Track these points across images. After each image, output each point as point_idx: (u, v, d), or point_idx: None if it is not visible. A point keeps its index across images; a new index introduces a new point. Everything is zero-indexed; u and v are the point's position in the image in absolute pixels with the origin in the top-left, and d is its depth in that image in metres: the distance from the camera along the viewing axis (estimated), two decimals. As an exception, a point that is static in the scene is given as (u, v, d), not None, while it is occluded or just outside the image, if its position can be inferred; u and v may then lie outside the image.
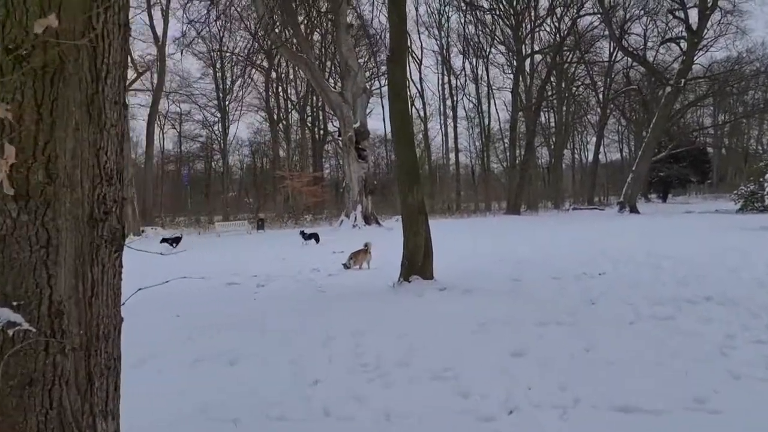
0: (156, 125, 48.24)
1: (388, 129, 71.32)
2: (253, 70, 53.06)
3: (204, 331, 6.39)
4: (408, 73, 55.47)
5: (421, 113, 57.09)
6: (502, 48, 52.18)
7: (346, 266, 12.52)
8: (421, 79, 56.14)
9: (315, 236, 22.95)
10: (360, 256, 12.55)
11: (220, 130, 54.61)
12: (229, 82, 53.07)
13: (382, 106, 56.85)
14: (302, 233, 23.65)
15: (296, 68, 50.03)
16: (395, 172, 9.52)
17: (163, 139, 56.81)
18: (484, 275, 10.01)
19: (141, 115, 49.94)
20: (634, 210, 37.11)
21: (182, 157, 61.09)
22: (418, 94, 56.24)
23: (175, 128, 58.31)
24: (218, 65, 51.93)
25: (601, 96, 51.45)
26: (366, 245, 12.52)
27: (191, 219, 50.20)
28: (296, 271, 12.48)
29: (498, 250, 14.65)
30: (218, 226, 36.50)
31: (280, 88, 53.42)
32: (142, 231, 36.48)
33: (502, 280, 9.26)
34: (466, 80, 56.61)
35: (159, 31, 41.67)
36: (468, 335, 5.74)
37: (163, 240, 24.23)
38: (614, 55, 48.21)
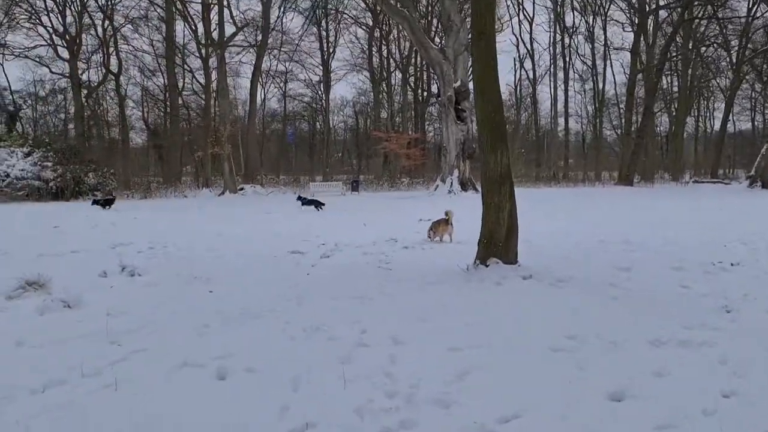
0: (259, 84, 48.40)
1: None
2: (357, 28, 52.12)
3: (224, 318, 5.20)
4: (518, 30, 52.39)
5: (530, 75, 53.74)
6: (622, 3, 47.49)
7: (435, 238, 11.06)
8: (531, 38, 52.64)
9: (316, 202, 21.41)
10: (440, 227, 10.98)
11: (323, 89, 54.18)
12: (332, 41, 52.15)
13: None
14: (300, 198, 22.44)
15: (399, 28, 48.42)
16: (478, 130, 7.64)
17: (265, 97, 56.88)
18: (582, 261, 8.17)
19: (245, 72, 50.40)
20: (767, 185, 32.61)
21: (287, 117, 61.49)
22: (527, 54, 52.86)
23: (279, 87, 58.63)
24: (323, 23, 51.03)
25: (734, 57, 45.63)
26: (447, 214, 10.91)
27: (290, 178, 50.40)
28: (370, 241, 11.17)
29: (602, 228, 12.53)
30: (312, 187, 36.05)
31: (383, 47, 51.93)
32: (241, 189, 36.74)
33: (604, 269, 7.40)
34: (579, 39, 52.47)
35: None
36: (549, 355, 4.11)
37: (94, 202, 23.38)
38: (754, 10, 42.33)
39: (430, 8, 50.29)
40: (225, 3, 39.42)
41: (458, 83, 29.13)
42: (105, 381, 3.48)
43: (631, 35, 45.18)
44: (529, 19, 51.83)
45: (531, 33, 52.13)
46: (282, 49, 48.69)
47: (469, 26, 32.81)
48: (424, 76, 54.01)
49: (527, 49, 52.68)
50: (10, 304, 5.58)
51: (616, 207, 19.77)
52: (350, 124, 66.92)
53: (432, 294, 6.08)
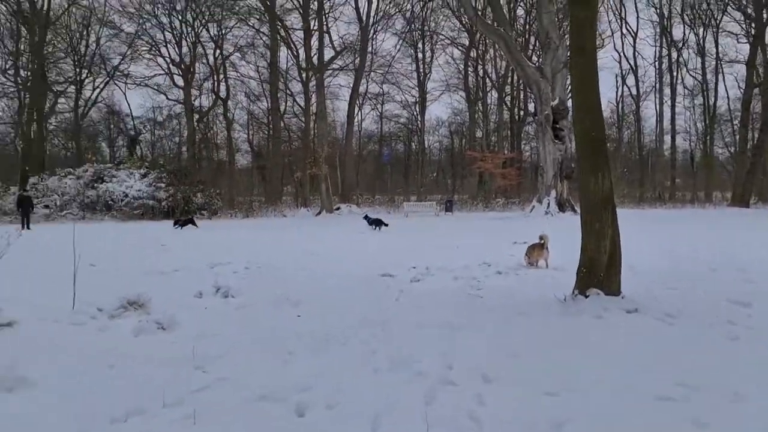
0: (356, 105, 49.37)
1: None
2: (453, 49, 52.16)
3: (309, 345, 5.14)
4: (620, 46, 50.39)
5: (633, 91, 51.44)
6: (737, 14, 44.46)
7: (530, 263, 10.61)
8: (635, 54, 50.35)
9: (378, 222, 22.11)
10: (535, 251, 10.50)
11: (419, 110, 54.49)
12: (428, 62, 52.41)
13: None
14: (366, 218, 22.76)
15: (496, 47, 47.97)
16: (577, 150, 7.18)
17: (362, 119, 57.89)
18: (693, 292, 7.45)
19: (343, 95, 51.60)
20: None
21: (383, 137, 62.32)
22: (630, 70, 50.67)
23: (375, 108, 59.61)
24: (419, 45, 51.48)
25: None
26: (542, 238, 10.43)
27: (385, 198, 50.85)
28: (463, 265, 10.87)
29: (715, 255, 11.52)
30: (406, 207, 36.13)
31: (479, 67, 51.59)
32: (337, 208, 37.47)
33: (718, 302, 6.69)
34: (689, 53, 49.61)
35: (363, 11, 42.43)
36: (658, 405, 3.66)
37: (176, 223, 24.31)
38: None
39: (527, 27, 49.54)
40: (325, 29, 40.69)
41: (556, 101, 28.30)
42: (185, 411, 3.46)
43: (747, 47, 42.26)
44: (633, 34, 49.81)
45: (634, 48, 49.95)
46: (378, 71, 49.54)
47: (567, 43, 31.94)
48: (521, 95, 53.13)
49: (630, 64, 50.57)
50: (111, 324, 5.81)
51: (732, 229, 18.25)
52: (445, 144, 66.85)
53: (525, 326, 5.73)
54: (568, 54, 29.63)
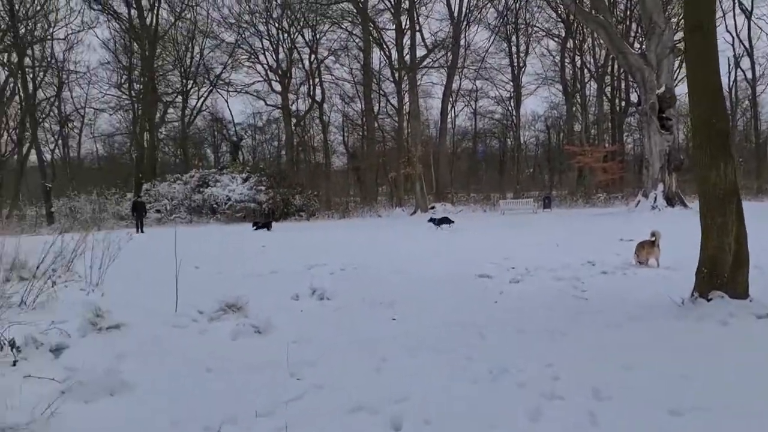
0: (450, 103, 48.93)
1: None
2: (549, 40, 50.56)
3: (403, 350, 4.95)
4: (734, 27, 46.74)
5: (748, 75, 47.63)
6: None
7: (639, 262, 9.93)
8: (749, 34, 46.46)
9: (446, 220, 22.11)
10: (645, 249, 9.77)
11: (513, 105, 53.25)
12: (523, 55, 51.07)
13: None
14: (432, 220, 22.53)
15: (594, 36, 45.96)
16: (693, 139, 6.55)
17: (455, 116, 57.27)
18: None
19: (436, 93, 51.31)
20: None
21: (477, 134, 61.46)
22: (745, 53, 46.90)
23: (469, 105, 58.85)
24: (513, 38, 50.25)
25: None
26: (653, 235, 9.69)
27: (480, 196, 50.05)
28: (564, 264, 10.34)
29: None
30: (502, 204, 35.32)
31: (577, 58, 49.66)
32: (432, 207, 37.26)
33: None
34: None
35: (454, 6, 42.01)
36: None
37: (254, 225, 24.48)
38: None
39: (627, 12, 47.04)
40: (417, 27, 40.59)
41: (662, 89, 26.58)
42: (277, 424, 3.35)
43: None
44: (747, 13, 46.00)
45: (749, 28, 46.13)
46: (471, 67, 48.87)
47: (674, 26, 29.97)
48: (622, 85, 50.63)
49: (744, 46, 46.78)
50: (210, 327, 5.89)
51: None
52: (541, 139, 64.96)
53: (637, 333, 5.24)
54: (675, 37, 27.83)
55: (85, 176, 47.79)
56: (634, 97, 49.71)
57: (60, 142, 49.00)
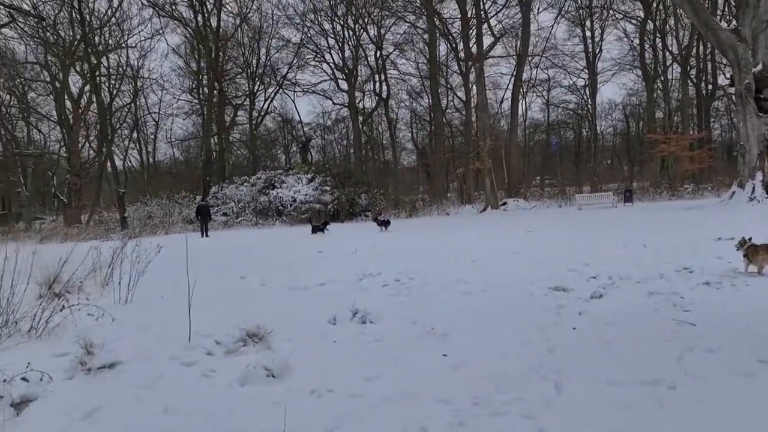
0: (520, 94, 46.89)
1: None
2: (626, 24, 47.56)
3: (452, 413, 3.76)
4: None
5: None
6: None
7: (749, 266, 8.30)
8: None
9: (385, 222, 22.79)
10: (760, 254, 8.10)
11: (589, 93, 50.50)
12: (598, 40, 48.26)
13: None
14: (376, 221, 23.00)
15: (678, 15, 42.79)
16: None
17: (526, 107, 55.00)
18: None
19: (506, 84, 49.32)
20: None
21: (550, 126, 58.96)
22: None
23: (541, 96, 56.46)
24: (587, 23, 47.55)
25: None
26: (771, 237, 8.02)
27: (555, 190, 47.72)
28: (655, 271, 8.84)
29: None
30: (578, 198, 33.18)
31: (657, 40, 46.40)
32: (503, 204, 35.57)
33: None
34: None
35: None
36: None
37: (313, 229, 22.95)
38: None
39: (715, -15, 43.47)
40: (483, 16, 38.88)
41: (759, 67, 23.90)
42: None
43: None
44: None
45: None
46: (543, 55, 46.62)
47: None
48: (708, 68, 47.00)
49: None
50: (223, 364, 4.92)
51: None
52: (620, 129, 61.60)
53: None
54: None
55: (160, 181, 48.94)
56: (721, 80, 46.11)
57: (134, 147, 50.48)
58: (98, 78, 40.03)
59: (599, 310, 6.52)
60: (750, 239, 8.42)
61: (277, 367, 4.47)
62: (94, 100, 40.05)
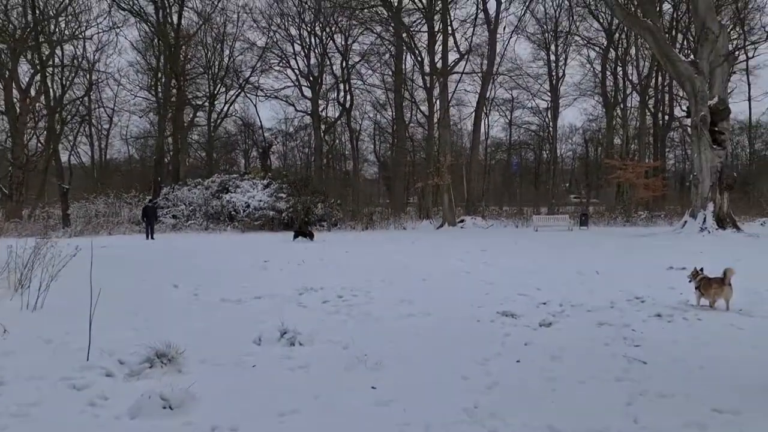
0: (483, 113, 47.07)
1: (756, 110, 58.54)
2: (589, 51, 48.33)
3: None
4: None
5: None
6: None
7: (701, 299, 8.03)
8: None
9: (307, 234, 23.06)
10: (713, 287, 7.82)
11: (551, 116, 51.09)
12: (561, 64, 48.92)
13: (748, 83, 46.26)
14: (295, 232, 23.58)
15: (639, 45, 43.64)
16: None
17: (489, 126, 55.34)
18: None
19: (470, 101, 49.49)
20: None
21: (512, 146, 59.42)
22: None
23: (504, 115, 56.89)
24: (552, 47, 48.17)
25: None
26: (726, 273, 7.74)
27: (513, 210, 47.93)
28: (607, 300, 8.54)
29: None
30: (535, 220, 33.23)
31: (618, 69, 47.28)
32: (461, 221, 35.37)
33: None
34: None
35: (491, 12, 40.13)
36: None
37: (296, 234, 23.78)
38: None
39: (674, 23, 44.55)
40: (450, 31, 38.87)
41: (715, 100, 24.37)
42: None
43: None
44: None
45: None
46: (507, 75, 47.00)
47: (728, 32, 27.65)
48: (665, 98, 48.07)
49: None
50: (117, 390, 4.27)
51: None
52: (579, 153, 62.56)
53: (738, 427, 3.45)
54: (730, 47, 25.48)
55: (110, 179, 47.18)
56: (678, 111, 47.18)
57: (86, 143, 48.64)
58: (51, 69, 38.41)
59: (547, 340, 6.09)
60: (701, 270, 8.19)
61: (175, 398, 3.85)
62: (46, 90, 38.33)
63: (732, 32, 37.74)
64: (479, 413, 3.85)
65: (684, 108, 42.40)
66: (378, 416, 3.87)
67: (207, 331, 6.24)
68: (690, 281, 8.30)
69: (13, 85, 36.67)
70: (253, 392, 4.30)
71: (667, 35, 42.24)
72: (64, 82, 40.94)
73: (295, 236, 23.06)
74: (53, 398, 4.04)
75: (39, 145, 41.53)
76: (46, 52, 37.56)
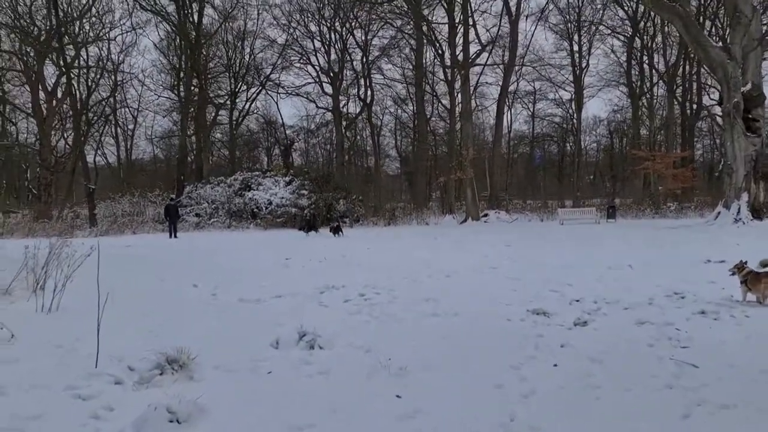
0: (506, 105, 46.41)
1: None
2: (613, 40, 47.27)
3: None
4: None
5: None
6: None
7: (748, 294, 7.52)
8: None
9: (313, 227, 23.43)
10: (762, 282, 7.30)
11: (574, 108, 50.14)
12: (585, 56, 47.92)
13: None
14: (304, 226, 24.19)
15: (666, 33, 42.50)
16: None
17: (511, 119, 54.59)
18: None
19: (492, 94, 48.82)
20: None
21: (535, 139, 58.58)
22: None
23: (527, 108, 56.10)
24: (575, 37, 47.20)
25: None
26: (765, 265, 7.22)
27: (537, 203, 47.19)
28: (644, 296, 8.07)
29: None
30: (561, 213, 32.57)
31: (644, 58, 46.14)
32: (484, 215, 34.85)
33: None
34: None
35: (512, 2, 39.42)
36: None
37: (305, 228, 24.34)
38: None
39: (701, 9, 43.24)
40: (471, 22, 38.26)
41: (748, 87, 23.51)
42: None
43: None
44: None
45: None
46: (530, 66, 46.19)
47: (761, 16, 26.67)
48: (693, 87, 46.71)
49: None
50: (122, 401, 3.99)
51: None
52: (603, 144, 61.40)
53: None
54: (764, 29, 24.62)
55: (135, 178, 47.51)
56: (706, 100, 45.99)
57: (112, 144, 49.07)
58: (77, 71, 38.69)
59: (584, 341, 5.68)
60: (746, 263, 7.69)
61: (183, 411, 3.55)
62: (71, 92, 38.63)
63: (764, 16, 36.47)
64: (516, 428, 3.48)
65: (713, 97, 41.25)
66: (401, 424, 3.52)
67: (222, 334, 5.95)
68: (732, 275, 7.81)
69: (40, 87, 37.00)
70: (267, 403, 3.98)
71: (695, 19, 41.18)
72: (89, 84, 41.19)
73: (308, 231, 23.33)
74: (54, 410, 3.77)
75: (66, 146, 41.90)
76: (71, 54, 37.81)
